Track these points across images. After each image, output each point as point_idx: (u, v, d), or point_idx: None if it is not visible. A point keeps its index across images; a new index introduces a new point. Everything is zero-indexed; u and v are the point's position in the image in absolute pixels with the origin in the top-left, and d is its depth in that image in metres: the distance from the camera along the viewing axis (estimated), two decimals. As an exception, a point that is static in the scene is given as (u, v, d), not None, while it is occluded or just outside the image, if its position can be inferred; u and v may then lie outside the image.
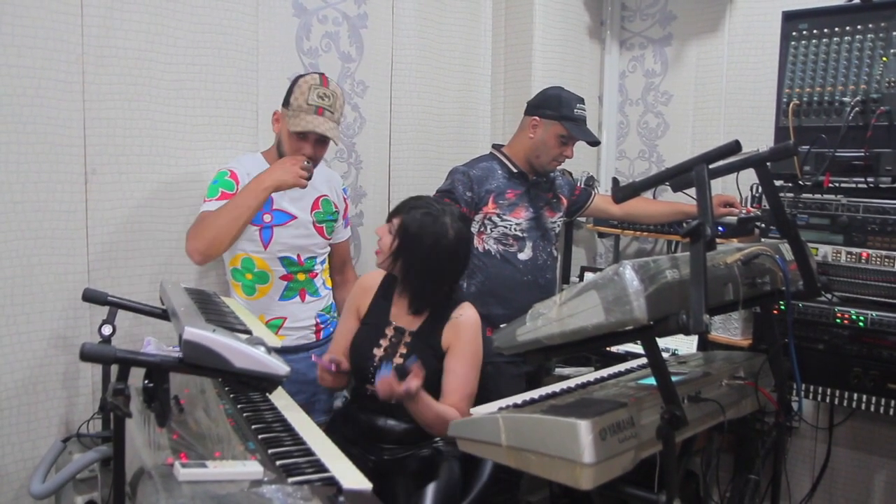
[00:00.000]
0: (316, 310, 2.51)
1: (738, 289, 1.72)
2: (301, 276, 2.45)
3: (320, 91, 2.28)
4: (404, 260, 2.19)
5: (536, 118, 2.72)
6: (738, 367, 2.06)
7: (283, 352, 2.31)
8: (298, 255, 2.44)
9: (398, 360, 2.19)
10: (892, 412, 2.23)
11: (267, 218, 2.37)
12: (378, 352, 2.22)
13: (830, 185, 2.31)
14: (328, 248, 2.58)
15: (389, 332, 2.25)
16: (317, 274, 2.51)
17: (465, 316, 2.23)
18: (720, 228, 2.79)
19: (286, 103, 2.33)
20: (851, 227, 2.28)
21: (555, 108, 2.68)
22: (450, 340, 2.21)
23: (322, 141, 2.35)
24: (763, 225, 2.53)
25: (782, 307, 2.14)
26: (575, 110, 2.68)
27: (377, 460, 2.19)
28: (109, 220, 2.32)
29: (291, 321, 2.45)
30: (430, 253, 2.16)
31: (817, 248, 2.33)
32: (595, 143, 2.77)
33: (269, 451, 1.56)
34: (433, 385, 2.17)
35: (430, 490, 2.12)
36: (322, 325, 2.54)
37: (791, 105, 2.38)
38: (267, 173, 2.22)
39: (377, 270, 2.35)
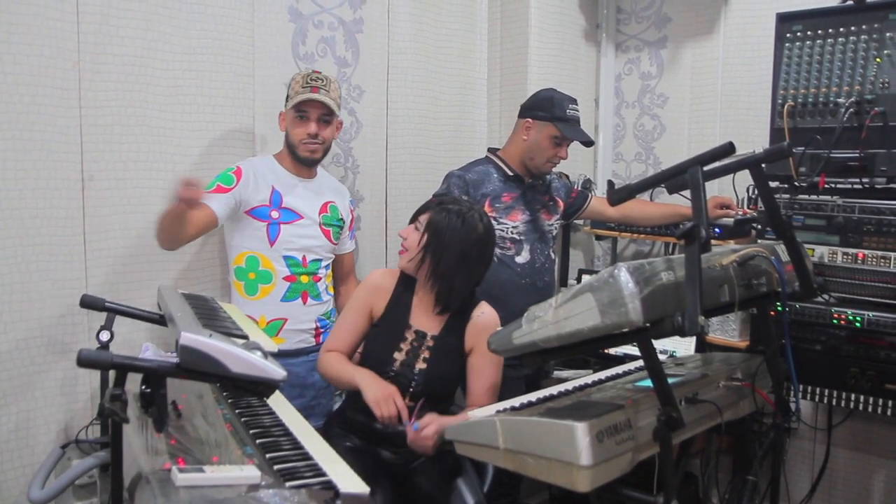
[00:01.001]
0: (317, 314, 2.52)
1: (733, 290, 1.72)
2: (304, 279, 2.47)
3: (312, 76, 2.42)
4: (434, 256, 2.18)
5: (529, 120, 2.73)
6: (735, 368, 2.06)
7: (281, 355, 2.33)
8: (304, 257, 2.46)
9: (421, 365, 2.19)
10: (889, 412, 2.23)
11: (275, 214, 2.41)
12: (399, 356, 2.21)
13: (826, 185, 2.32)
14: (333, 256, 2.60)
15: (409, 335, 2.24)
16: (320, 278, 2.52)
17: (487, 314, 2.26)
18: (717, 230, 2.79)
19: (286, 99, 2.44)
20: (847, 227, 2.29)
21: (547, 109, 2.69)
22: (473, 341, 2.23)
23: (325, 121, 2.43)
24: (759, 226, 2.54)
25: (779, 308, 2.14)
26: (567, 111, 2.69)
27: (394, 462, 2.21)
28: (107, 227, 2.33)
29: (292, 323, 2.46)
30: (463, 246, 2.16)
31: (813, 249, 2.34)
32: (589, 143, 2.77)
33: (267, 455, 1.56)
34: (454, 384, 2.26)
35: (463, 485, 2.15)
36: (322, 329, 2.54)
37: (786, 106, 2.39)
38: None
39: (385, 270, 2.36)
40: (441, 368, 2.21)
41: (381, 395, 2.08)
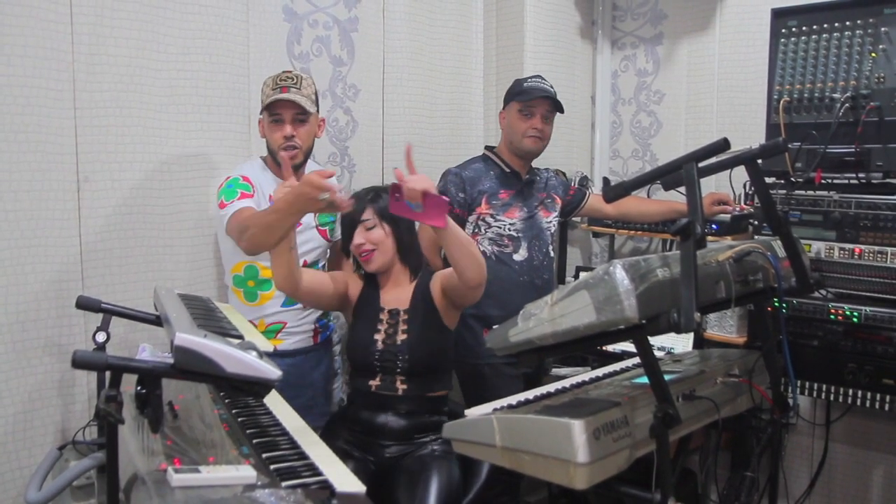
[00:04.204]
0: (315, 316, 2.52)
1: (730, 286, 1.72)
2: None
3: (281, 76, 2.35)
4: (398, 238, 2.31)
5: (503, 111, 2.84)
6: (732, 364, 2.06)
7: (280, 355, 2.34)
8: (304, 262, 2.45)
9: (402, 337, 2.25)
10: (887, 407, 2.23)
11: None
12: (379, 336, 2.27)
13: (822, 181, 2.32)
14: (328, 252, 2.59)
15: (384, 316, 2.30)
16: None
17: (441, 270, 2.39)
18: (713, 226, 2.79)
19: (261, 104, 2.38)
20: (844, 223, 2.29)
21: (509, 93, 2.81)
22: (437, 289, 2.29)
23: (300, 121, 2.35)
24: (756, 222, 2.54)
25: (776, 304, 2.14)
26: (524, 84, 2.76)
27: (377, 461, 2.23)
28: (103, 228, 2.32)
29: (290, 326, 2.46)
30: None
31: (810, 245, 2.33)
32: (546, 94, 2.72)
33: (264, 455, 1.56)
34: (441, 353, 2.30)
35: (434, 489, 2.13)
36: (320, 329, 2.55)
37: (782, 102, 2.39)
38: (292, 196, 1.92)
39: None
40: (423, 334, 2.26)
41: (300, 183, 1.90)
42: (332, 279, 2.34)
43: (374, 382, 2.25)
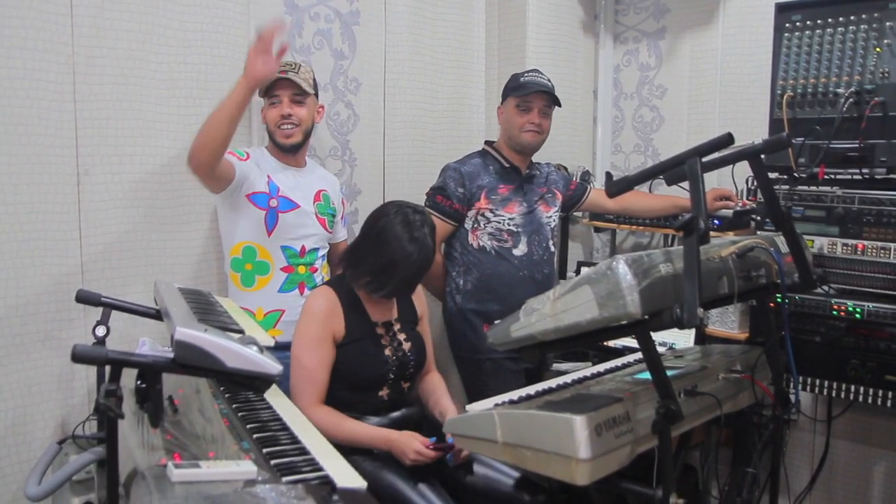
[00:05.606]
0: None
1: (732, 282, 1.72)
2: (302, 270, 2.46)
3: (281, 61, 2.35)
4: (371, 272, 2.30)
5: (500, 107, 2.84)
6: (734, 360, 2.06)
7: (280, 348, 2.32)
8: (302, 247, 2.45)
9: (407, 346, 2.29)
10: (889, 404, 2.22)
11: (273, 203, 2.40)
12: (388, 351, 2.25)
13: (825, 176, 2.31)
14: (328, 246, 2.59)
15: (381, 331, 2.28)
16: (317, 269, 2.52)
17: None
18: (716, 222, 2.78)
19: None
20: (847, 218, 2.28)
21: (507, 88, 2.81)
22: (421, 307, 2.44)
23: (297, 102, 2.43)
24: (759, 218, 2.53)
25: (779, 300, 2.13)
26: (521, 79, 2.76)
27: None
28: (103, 221, 2.31)
29: (289, 314, 2.44)
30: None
31: (813, 241, 2.32)
32: (543, 88, 2.72)
33: (264, 450, 1.55)
34: (425, 354, 2.39)
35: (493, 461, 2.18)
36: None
37: (785, 97, 2.38)
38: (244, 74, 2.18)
39: (317, 292, 2.30)
40: (419, 340, 2.36)
41: (410, 454, 2.05)
42: (325, 353, 2.21)
43: (384, 392, 2.25)
